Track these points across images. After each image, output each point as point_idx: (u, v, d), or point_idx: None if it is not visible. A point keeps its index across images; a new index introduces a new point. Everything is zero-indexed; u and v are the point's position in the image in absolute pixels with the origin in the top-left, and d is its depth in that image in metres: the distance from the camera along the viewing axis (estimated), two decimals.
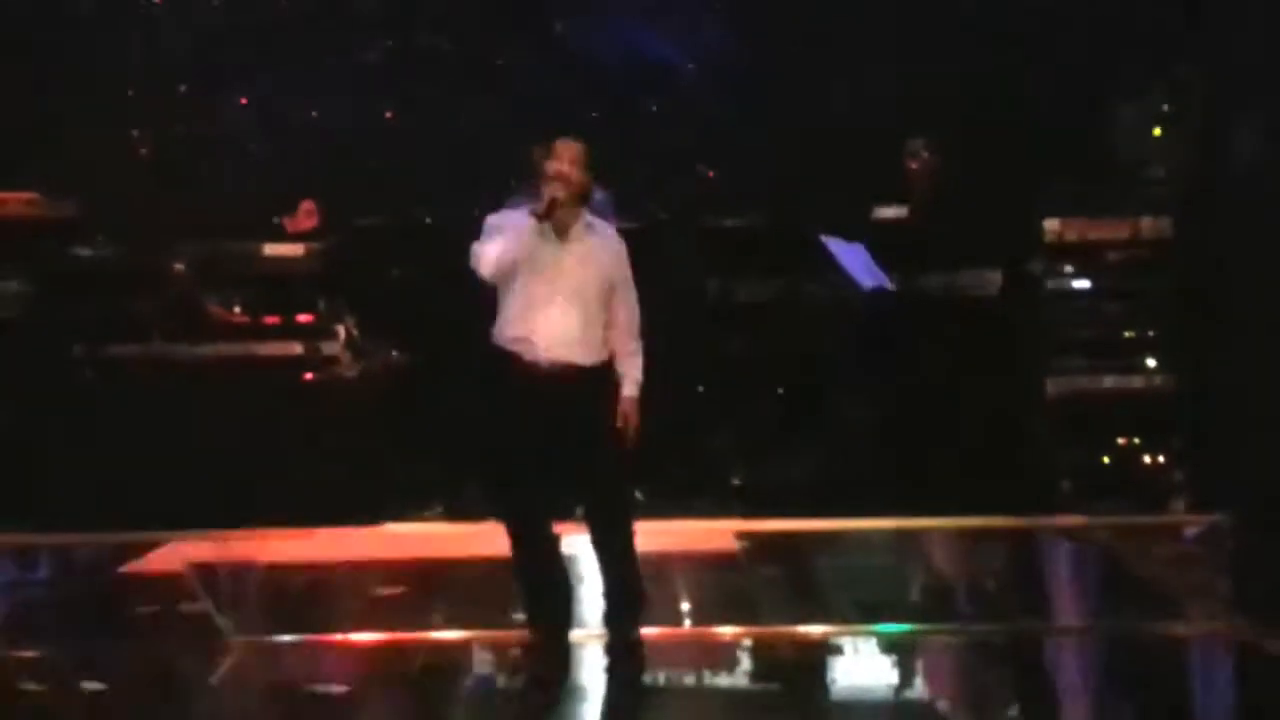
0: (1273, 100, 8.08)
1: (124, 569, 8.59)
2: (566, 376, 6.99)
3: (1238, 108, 8.77)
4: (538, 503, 7.13)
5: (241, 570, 8.25)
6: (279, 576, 8.39)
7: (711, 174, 11.58)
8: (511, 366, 7.02)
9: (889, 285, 9.63)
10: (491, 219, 7.16)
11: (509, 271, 6.96)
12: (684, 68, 11.70)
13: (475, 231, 7.20)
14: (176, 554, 8.52)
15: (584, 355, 7.03)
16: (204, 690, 7.06)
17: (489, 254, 6.96)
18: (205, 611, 7.79)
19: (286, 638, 7.56)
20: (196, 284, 9.88)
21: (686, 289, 9.94)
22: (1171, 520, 8.98)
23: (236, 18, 11.57)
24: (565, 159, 7.01)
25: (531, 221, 6.95)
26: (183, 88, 11.46)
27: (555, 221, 6.98)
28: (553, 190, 6.97)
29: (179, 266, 9.88)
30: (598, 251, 7.07)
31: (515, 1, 11.68)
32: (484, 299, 7.19)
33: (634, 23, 11.67)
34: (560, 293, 6.99)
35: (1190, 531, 8.75)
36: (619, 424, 7.04)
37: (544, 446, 7.03)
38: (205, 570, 8.19)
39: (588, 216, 7.13)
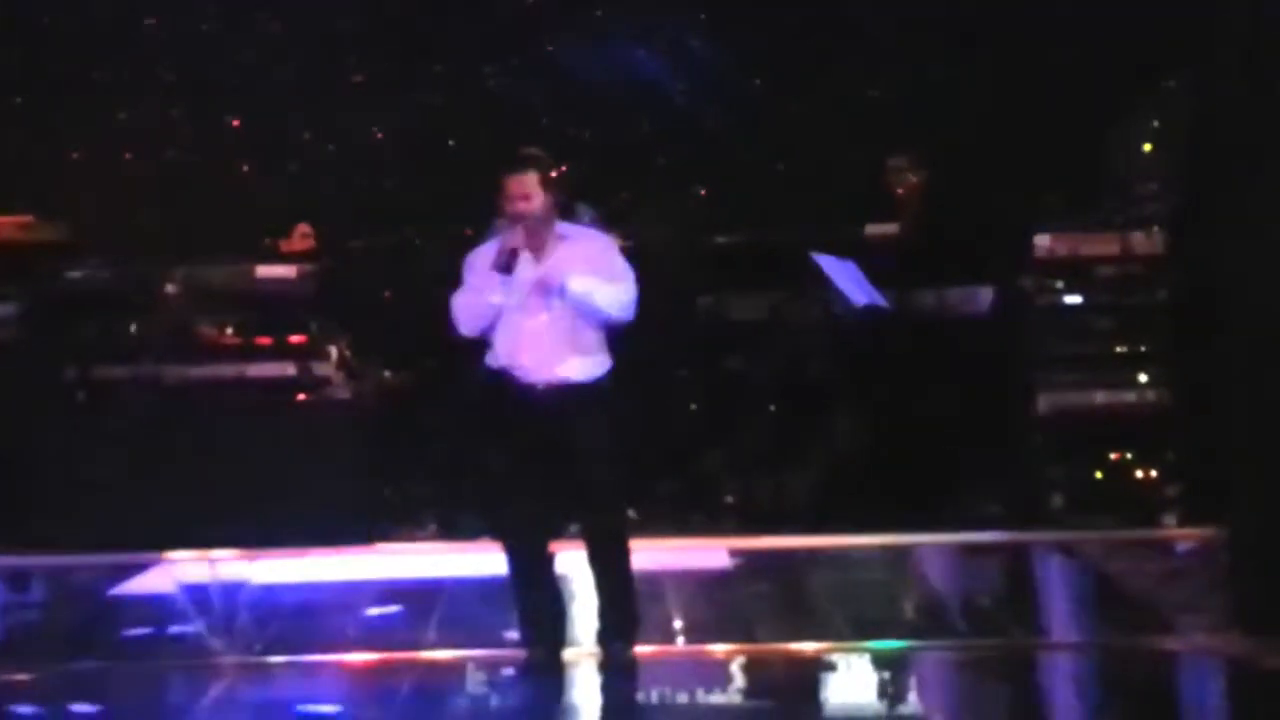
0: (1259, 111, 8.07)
1: (115, 590, 8.58)
2: (562, 396, 7.01)
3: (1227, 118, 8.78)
4: (534, 522, 7.14)
5: (233, 591, 8.23)
6: (271, 597, 8.37)
7: (704, 192, 11.59)
8: (508, 388, 7.03)
9: (882, 302, 9.63)
10: (471, 260, 7.16)
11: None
12: (676, 86, 11.70)
13: (463, 253, 7.23)
14: (168, 575, 8.50)
15: (578, 372, 7.06)
16: (196, 712, 7.05)
17: (465, 319, 6.99)
18: (197, 632, 7.77)
19: (279, 658, 7.54)
20: (189, 306, 9.87)
21: (679, 307, 9.93)
22: (1165, 535, 8.97)
23: (230, 39, 11.57)
24: (518, 196, 6.97)
25: (499, 275, 6.93)
26: (176, 109, 11.46)
27: (529, 245, 6.97)
28: (511, 241, 6.95)
29: (172, 288, 9.87)
30: (573, 260, 7.06)
31: (507, 22, 11.69)
32: None
33: (625, 42, 11.68)
34: (544, 315, 6.99)
35: (1184, 546, 8.74)
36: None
37: (541, 466, 7.04)
38: (197, 591, 8.18)
39: (559, 228, 7.11)
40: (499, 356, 7.07)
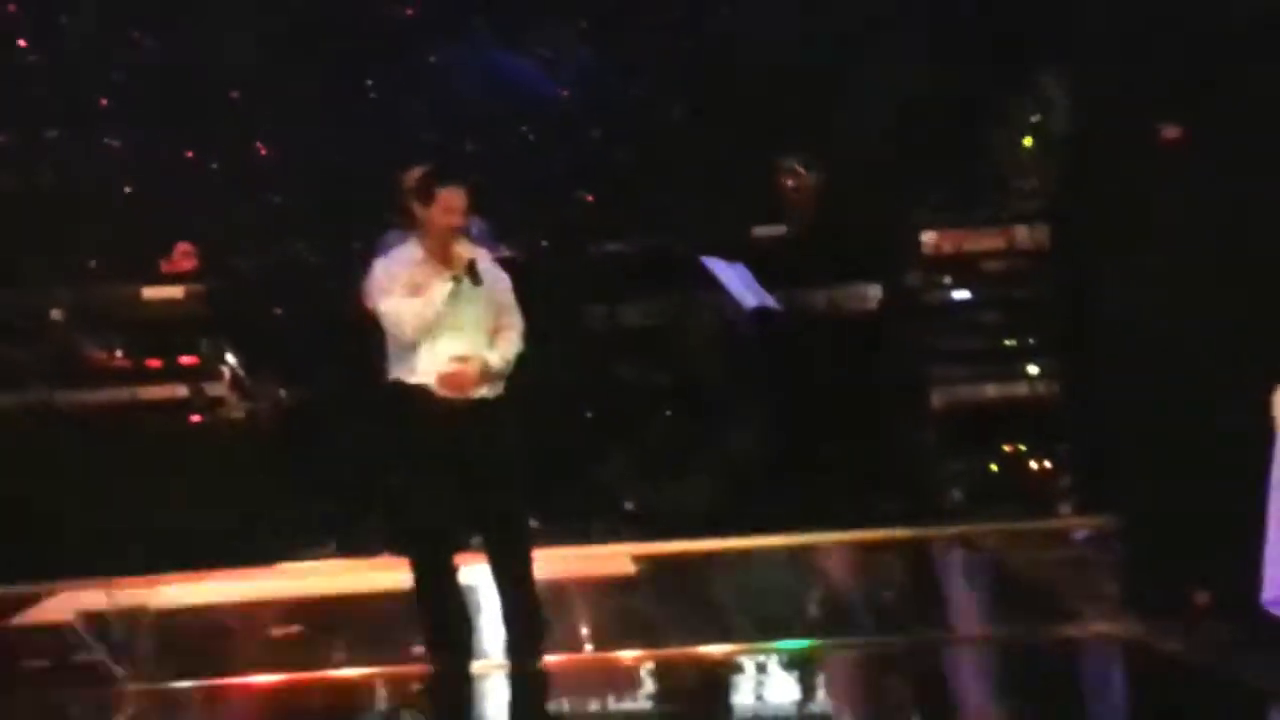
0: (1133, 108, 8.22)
1: (13, 621, 8.45)
2: (475, 411, 7.04)
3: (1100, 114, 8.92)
4: (441, 535, 7.14)
5: (134, 617, 8.13)
6: (173, 622, 8.28)
7: (591, 199, 11.61)
8: (416, 403, 7.03)
9: (772, 304, 9.70)
10: (381, 265, 7.15)
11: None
12: (558, 95, 11.72)
13: (354, 267, 7.21)
14: (67, 603, 8.40)
15: (491, 388, 7.09)
16: None
17: (411, 321, 6.98)
18: (99, 661, 7.68)
19: (183, 683, 7.47)
20: (76, 330, 9.75)
21: (571, 316, 9.95)
22: (1060, 525, 9.10)
23: (104, 60, 11.44)
24: (457, 209, 7.03)
25: (448, 282, 6.95)
26: (53, 132, 11.30)
27: (445, 260, 7.01)
28: (467, 251, 7.02)
29: (58, 314, 9.74)
30: (484, 280, 7.11)
31: (387, 33, 11.65)
32: (368, 334, 7.21)
33: (506, 52, 11.68)
34: (460, 330, 7.03)
35: (1079, 535, 8.88)
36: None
37: (446, 479, 7.04)
38: (97, 619, 8.08)
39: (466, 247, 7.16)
40: (417, 373, 7.07)
